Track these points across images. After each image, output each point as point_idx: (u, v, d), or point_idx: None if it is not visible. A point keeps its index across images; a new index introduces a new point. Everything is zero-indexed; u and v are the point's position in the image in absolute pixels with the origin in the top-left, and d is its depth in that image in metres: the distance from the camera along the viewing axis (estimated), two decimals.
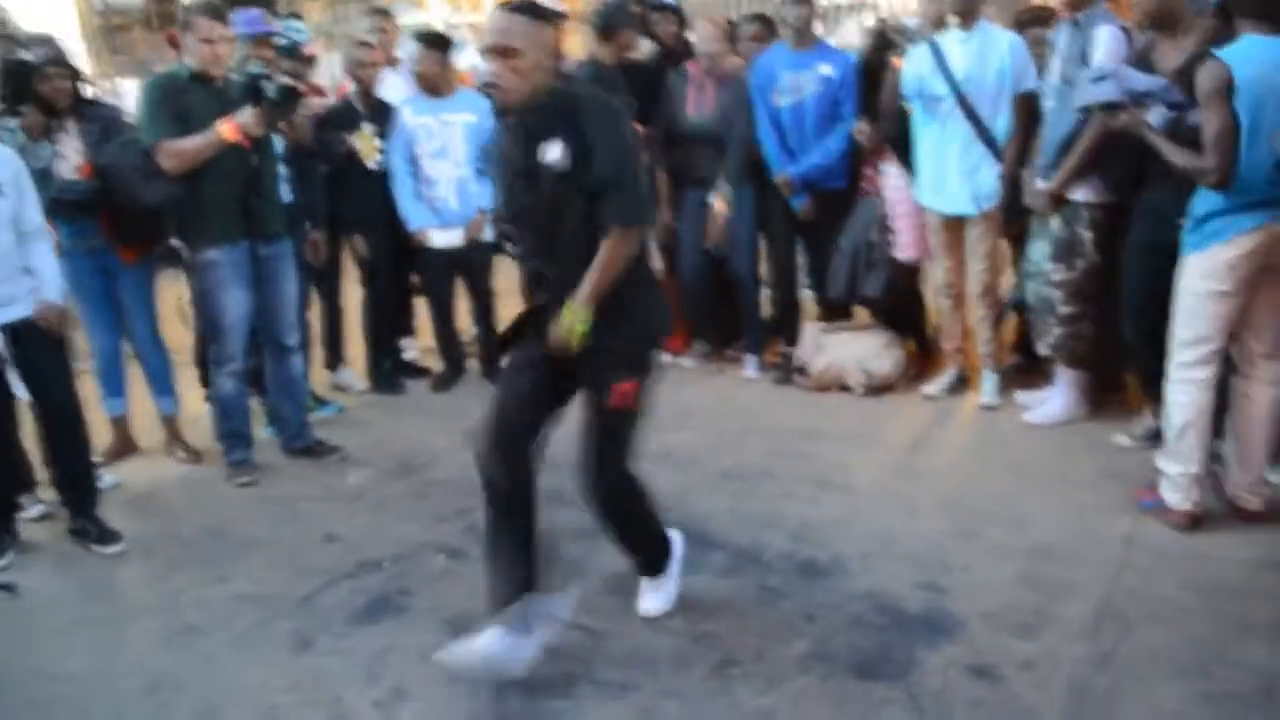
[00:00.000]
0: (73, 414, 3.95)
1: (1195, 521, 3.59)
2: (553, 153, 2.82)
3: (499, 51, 2.77)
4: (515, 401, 2.98)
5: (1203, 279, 3.45)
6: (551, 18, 2.89)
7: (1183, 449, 3.58)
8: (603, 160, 2.80)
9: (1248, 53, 3.28)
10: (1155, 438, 4.05)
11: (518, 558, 2.97)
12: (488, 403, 3.04)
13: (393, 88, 5.82)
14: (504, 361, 3.15)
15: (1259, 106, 3.25)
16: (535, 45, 2.78)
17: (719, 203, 5.26)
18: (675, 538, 3.32)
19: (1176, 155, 3.44)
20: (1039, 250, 4.40)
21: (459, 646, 2.94)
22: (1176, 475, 3.60)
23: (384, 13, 6.50)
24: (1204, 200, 3.42)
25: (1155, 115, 3.48)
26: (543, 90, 2.83)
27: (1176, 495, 3.61)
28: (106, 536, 3.94)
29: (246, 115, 4.12)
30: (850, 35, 9.28)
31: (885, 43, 5.22)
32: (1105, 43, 3.95)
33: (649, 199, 2.94)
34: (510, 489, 2.94)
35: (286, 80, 4.32)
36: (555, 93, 2.87)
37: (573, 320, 2.81)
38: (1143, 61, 3.83)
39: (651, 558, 3.25)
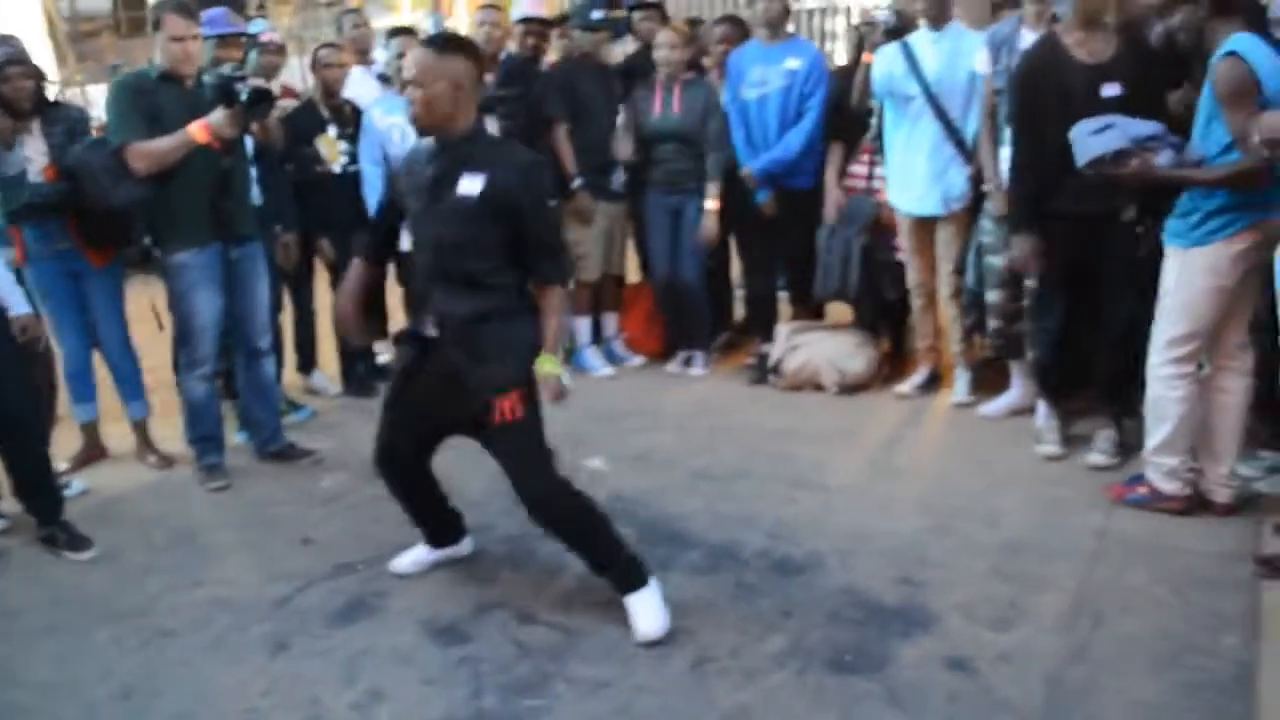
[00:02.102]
0: (25, 418, 3.88)
1: (1193, 505, 3.66)
2: (471, 186, 2.97)
3: (412, 83, 2.98)
4: (402, 437, 3.35)
5: (1204, 275, 3.47)
6: (461, 51, 3.02)
7: (1177, 442, 3.63)
8: (535, 226, 3.03)
9: (1254, 47, 3.28)
10: (1125, 450, 4.12)
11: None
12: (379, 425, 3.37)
13: (361, 85, 5.78)
14: (398, 358, 3.42)
15: (1276, 101, 3.25)
16: (441, 77, 2.94)
17: (711, 203, 5.29)
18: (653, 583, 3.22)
19: (1212, 172, 3.42)
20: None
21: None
22: (1174, 466, 3.65)
23: (355, 10, 6.47)
24: (1208, 197, 3.43)
25: (1164, 157, 3.50)
26: (460, 122, 3.00)
27: (1174, 484, 3.66)
28: (77, 542, 3.90)
29: (218, 117, 4.07)
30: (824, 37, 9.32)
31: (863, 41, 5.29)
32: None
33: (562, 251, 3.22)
34: (405, 490, 3.48)
35: (259, 82, 4.29)
36: (486, 135, 3.16)
37: (552, 370, 3.00)
38: (1051, 53, 3.92)
39: (616, 569, 3.17)
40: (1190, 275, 3.50)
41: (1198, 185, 3.48)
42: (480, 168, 2.99)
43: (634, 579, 3.16)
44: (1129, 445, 4.12)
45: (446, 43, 3.04)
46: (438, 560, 3.60)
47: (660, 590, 3.17)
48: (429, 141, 3.10)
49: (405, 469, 3.41)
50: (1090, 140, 3.59)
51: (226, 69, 4.38)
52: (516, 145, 3.22)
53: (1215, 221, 3.43)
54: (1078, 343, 4.18)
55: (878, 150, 5.13)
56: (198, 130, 4.05)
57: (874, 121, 5.06)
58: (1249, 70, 3.24)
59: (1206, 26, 3.52)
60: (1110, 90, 3.78)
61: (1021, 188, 4.08)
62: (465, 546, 3.66)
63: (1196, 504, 3.69)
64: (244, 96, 4.07)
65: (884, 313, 5.47)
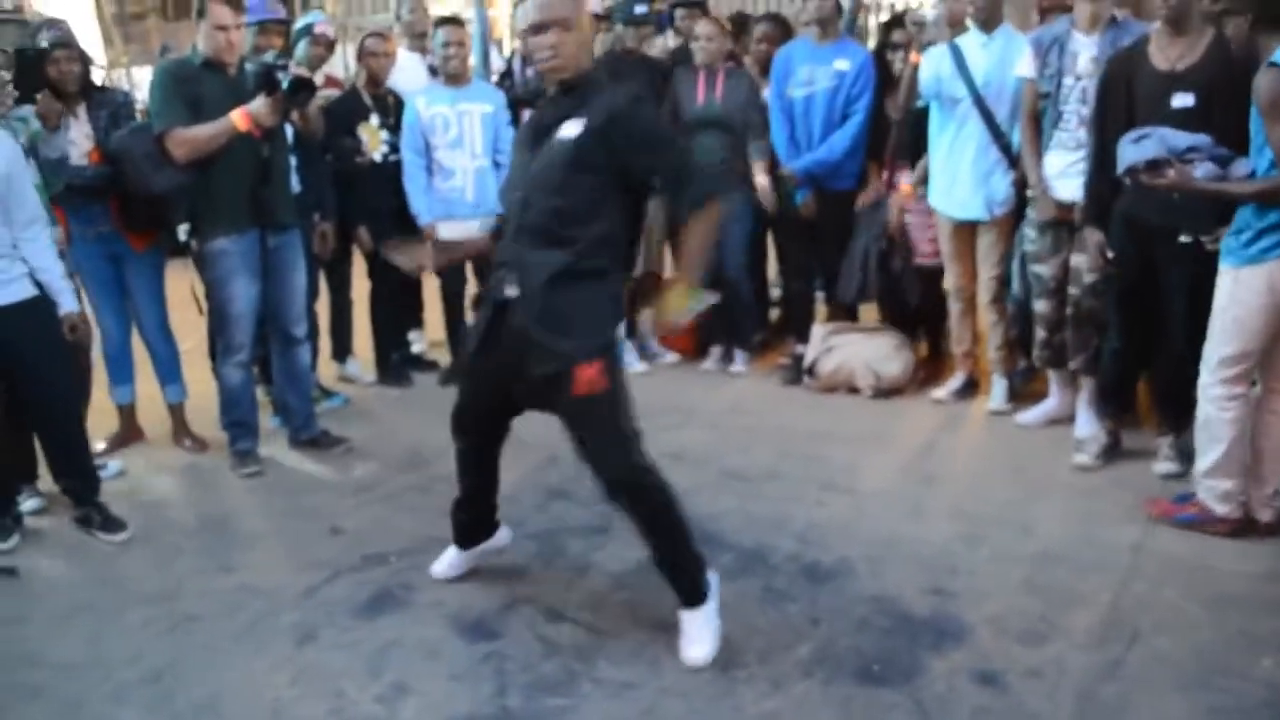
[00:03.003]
0: (64, 400, 3.92)
1: (1242, 528, 3.59)
2: (571, 129, 2.83)
3: (557, 23, 2.82)
4: (478, 405, 3.21)
5: (1256, 293, 3.37)
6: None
7: (1231, 465, 3.55)
8: (646, 159, 2.87)
9: None
10: (1186, 455, 4.04)
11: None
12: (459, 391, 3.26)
13: (409, 70, 5.77)
14: (466, 361, 3.27)
15: None
16: (584, 17, 2.88)
17: (761, 177, 5.29)
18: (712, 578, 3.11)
19: (1245, 187, 3.34)
20: (1083, 262, 4.23)
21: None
22: (1229, 489, 3.57)
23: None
24: (1261, 214, 3.34)
25: (1202, 170, 3.43)
26: (583, 67, 2.91)
27: (1227, 506, 3.58)
28: (111, 524, 3.93)
29: (259, 105, 4.09)
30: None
31: (891, 37, 5.24)
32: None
33: (703, 171, 2.96)
34: (471, 454, 3.31)
35: (301, 71, 4.30)
36: (595, 80, 2.95)
37: (680, 300, 2.87)
38: (1133, 57, 3.82)
39: (685, 574, 3.02)
40: (1242, 293, 3.41)
41: (1231, 199, 3.41)
42: (584, 113, 2.84)
43: (698, 592, 3.01)
44: (1188, 452, 4.03)
45: None
46: (473, 559, 3.49)
47: (718, 615, 3.03)
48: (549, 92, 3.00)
49: (480, 439, 3.26)
50: (1128, 148, 3.53)
51: (269, 57, 4.40)
52: (619, 88, 3.03)
53: (1268, 239, 3.34)
54: (1134, 358, 4.14)
55: (899, 156, 5.09)
56: (239, 118, 4.07)
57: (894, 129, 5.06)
58: None
59: (1255, 38, 3.42)
60: (1182, 100, 3.63)
61: (1092, 189, 4.00)
62: (502, 537, 3.53)
63: (1245, 526, 3.60)
64: (285, 85, 4.09)
65: (908, 316, 5.43)
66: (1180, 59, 3.70)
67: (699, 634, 2.99)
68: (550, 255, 2.87)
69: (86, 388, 4.42)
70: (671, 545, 3.01)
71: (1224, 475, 3.57)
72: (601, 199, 2.88)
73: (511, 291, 2.94)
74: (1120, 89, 3.84)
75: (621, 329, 5.59)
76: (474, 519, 3.45)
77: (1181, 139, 3.47)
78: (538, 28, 2.85)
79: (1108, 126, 3.88)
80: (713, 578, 3.07)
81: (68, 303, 3.87)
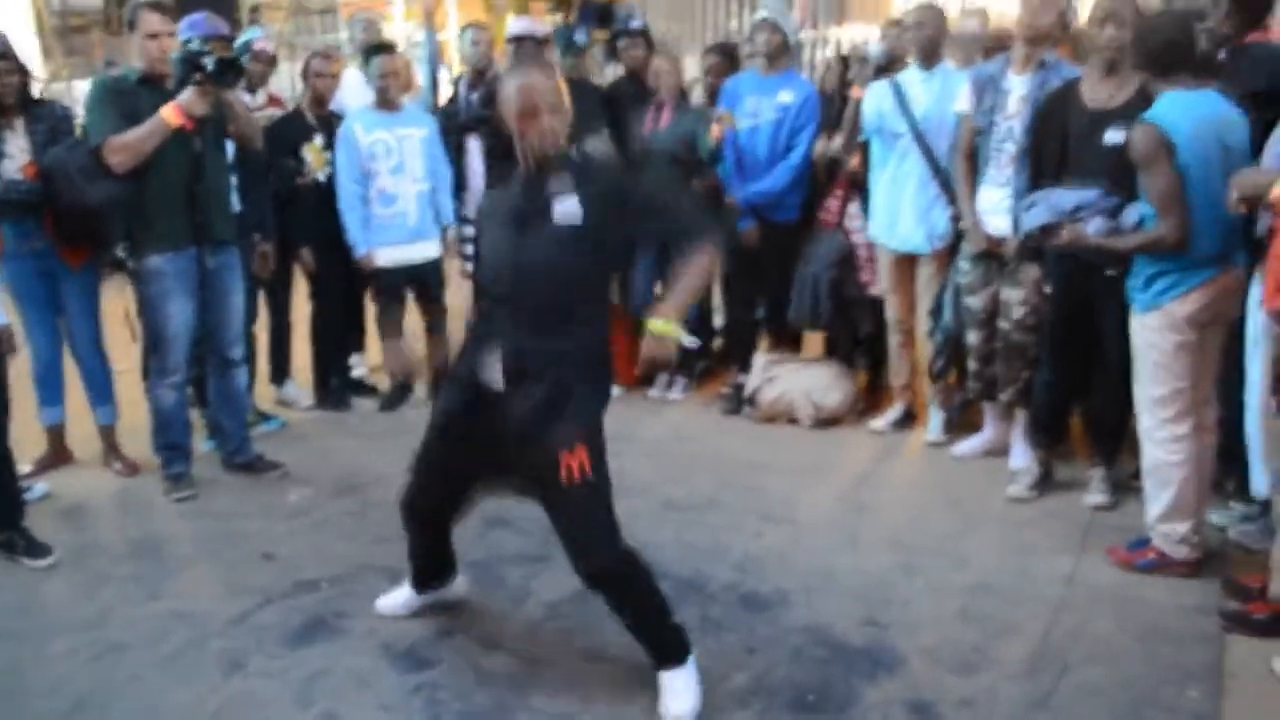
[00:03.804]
0: None
1: (1201, 567, 3.60)
2: (568, 212, 2.76)
3: (554, 109, 2.78)
4: (440, 475, 3.10)
5: (1163, 333, 3.43)
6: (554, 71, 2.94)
7: (1184, 507, 3.54)
8: (652, 208, 2.84)
9: (1180, 109, 3.30)
10: (1117, 487, 4.13)
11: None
12: (418, 449, 3.12)
13: (355, 90, 5.75)
14: (439, 404, 3.14)
15: (1202, 163, 3.27)
16: (562, 104, 2.82)
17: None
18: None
19: (1128, 241, 3.45)
20: (1012, 295, 4.33)
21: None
22: (1184, 534, 3.56)
23: (369, 19, 6.43)
24: (1152, 260, 3.43)
25: (1093, 225, 3.53)
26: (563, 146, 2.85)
27: (1184, 549, 3.57)
28: (36, 549, 3.84)
29: (187, 94, 4.04)
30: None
31: (847, 70, 5.31)
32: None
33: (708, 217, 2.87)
34: (422, 537, 3.27)
35: (224, 54, 4.24)
36: (570, 157, 2.86)
37: (664, 333, 2.78)
38: (1066, 96, 3.91)
39: (661, 642, 2.94)
40: (1152, 337, 3.47)
41: (1120, 254, 3.51)
42: (571, 191, 2.78)
43: (675, 653, 2.93)
44: (1119, 484, 4.16)
45: (552, 68, 2.92)
46: (426, 603, 3.41)
47: (696, 667, 2.95)
48: (518, 171, 2.89)
49: (431, 520, 3.22)
50: (1022, 216, 3.65)
51: (193, 45, 4.33)
52: (600, 161, 3.05)
53: (1161, 283, 3.42)
54: (1066, 390, 4.20)
55: (851, 186, 5.15)
56: (169, 113, 4.03)
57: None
58: (1159, 133, 3.26)
59: (1151, 86, 3.52)
60: (1113, 136, 3.68)
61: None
62: (459, 586, 3.46)
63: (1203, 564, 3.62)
64: (210, 68, 4.04)
65: (856, 345, 5.49)
66: (1111, 98, 3.80)
67: (679, 690, 2.89)
68: (548, 341, 2.81)
69: (6, 407, 4.31)
70: (645, 620, 2.94)
71: (1179, 519, 3.55)
72: (604, 278, 2.92)
73: (496, 381, 2.87)
74: (1053, 127, 3.93)
75: None
76: (433, 567, 3.38)
77: (1069, 198, 3.57)
78: (537, 110, 2.77)
79: (1040, 162, 3.96)
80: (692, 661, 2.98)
81: None
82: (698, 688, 2.91)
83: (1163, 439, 3.53)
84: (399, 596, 3.42)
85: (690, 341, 2.89)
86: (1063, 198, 3.60)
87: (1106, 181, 3.60)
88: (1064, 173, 3.82)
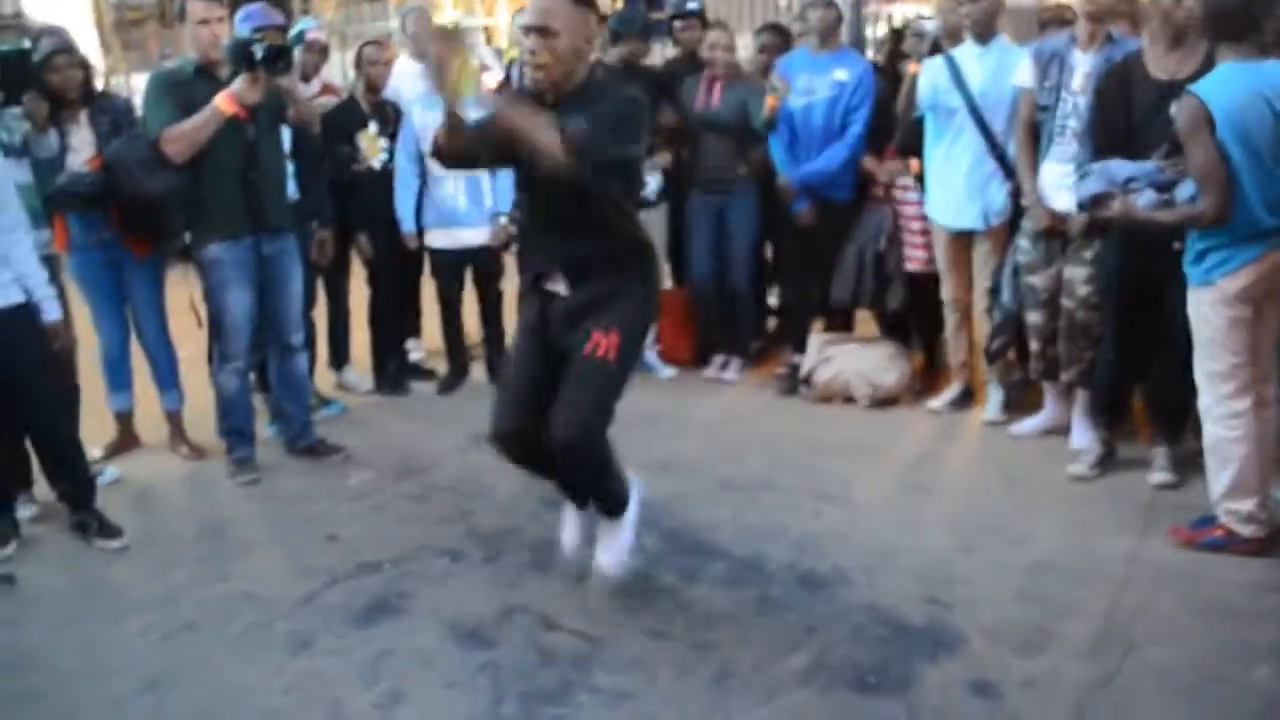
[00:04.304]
0: (55, 406, 3.93)
1: (1269, 544, 3.53)
2: (574, 124, 2.83)
3: (538, 30, 2.86)
4: (517, 401, 3.19)
5: (1216, 308, 3.39)
6: (592, 6, 2.98)
7: (1248, 484, 3.48)
8: (602, 119, 2.86)
9: (1226, 81, 3.25)
10: (1181, 465, 4.06)
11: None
12: (497, 391, 3.30)
13: (407, 77, 5.79)
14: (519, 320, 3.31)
15: (1246, 137, 3.21)
16: (573, 29, 2.88)
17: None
18: (637, 483, 3.33)
19: (1168, 215, 3.42)
20: (1076, 274, 4.28)
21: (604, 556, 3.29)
22: (1251, 510, 3.50)
23: (421, 7, 6.46)
24: (1202, 235, 3.38)
25: (1143, 198, 3.48)
26: (578, 77, 2.94)
27: (1251, 526, 3.51)
28: (108, 531, 3.93)
29: (239, 83, 4.09)
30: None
31: (901, 45, 5.27)
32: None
33: (605, 165, 2.88)
34: (530, 459, 3.27)
35: (275, 42, 4.28)
36: (590, 82, 2.99)
37: (455, 32, 2.87)
38: (1129, 68, 3.85)
39: (609, 503, 3.25)
40: (1206, 312, 3.42)
41: (1163, 227, 3.46)
42: (583, 109, 2.88)
43: (615, 508, 3.24)
44: (1182, 462, 4.08)
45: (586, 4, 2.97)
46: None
47: (636, 514, 3.29)
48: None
49: (523, 442, 3.23)
50: (1077, 186, 3.57)
51: (243, 33, 4.38)
52: (618, 85, 3.15)
53: (1212, 258, 3.37)
54: (1129, 369, 4.14)
55: (900, 157, 5.11)
56: (222, 101, 4.09)
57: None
58: (1200, 106, 3.21)
59: (1218, 55, 3.43)
60: (1178, 108, 3.64)
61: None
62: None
63: (1271, 542, 3.54)
64: (261, 55, 4.09)
65: (904, 325, 5.46)
66: (1179, 69, 3.73)
67: (611, 540, 3.25)
68: (586, 247, 3.02)
69: (76, 394, 4.41)
70: (599, 488, 3.23)
71: (1243, 496, 3.50)
72: (621, 188, 3.01)
73: (561, 288, 3.08)
74: (1117, 99, 3.86)
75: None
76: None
77: (1124, 169, 3.51)
78: (525, 30, 2.92)
79: (1103, 135, 3.90)
80: (637, 489, 3.32)
81: (51, 310, 3.86)
82: (629, 540, 3.28)
83: (1221, 415, 3.48)
84: (571, 527, 3.46)
85: (487, 59, 2.94)
86: (1119, 168, 3.54)
87: (1171, 153, 3.53)
88: (1131, 145, 3.75)
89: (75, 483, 3.99)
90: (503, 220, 5.39)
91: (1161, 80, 3.76)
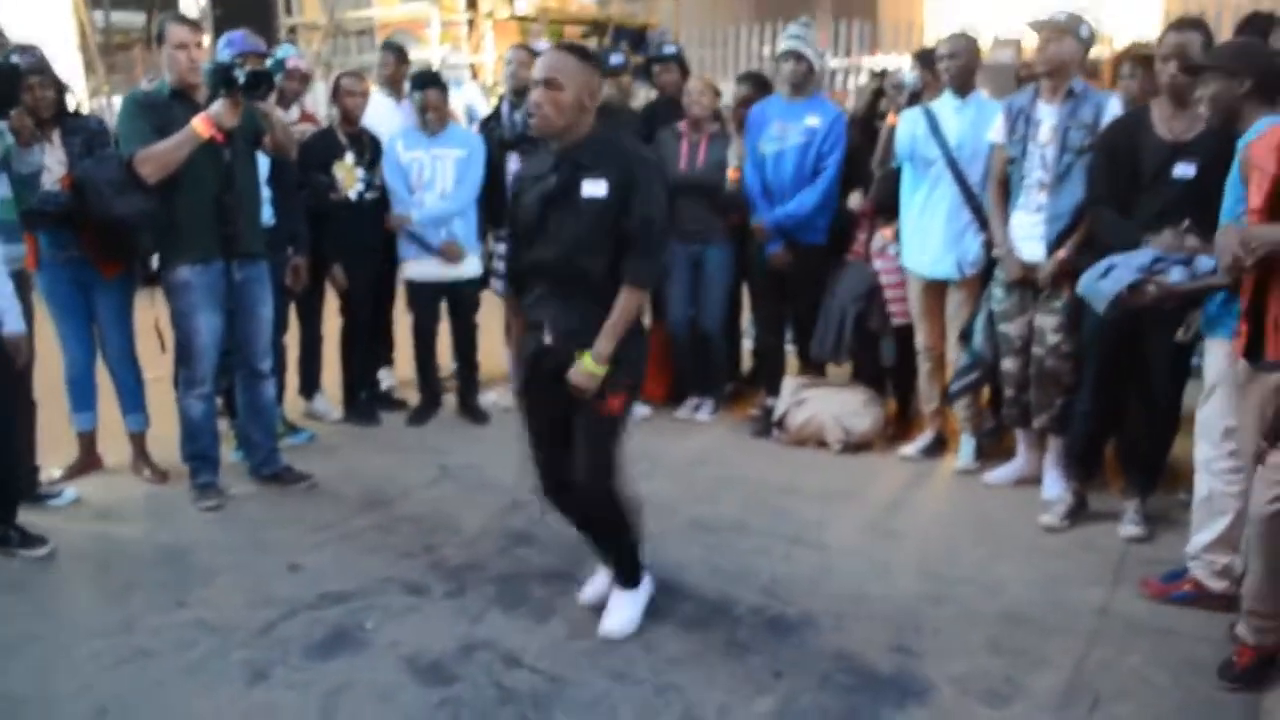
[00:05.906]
0: (8, 418, 3.88)
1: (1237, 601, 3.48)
2: (597, 188, 3.05)
3: (545, 82, 3.02)
4: (550, 457, 3.32)
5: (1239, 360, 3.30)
6: (596, 64, 3.14)
7: (1231, 537, 3.45)
8: (642, 213, 3.06)
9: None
10: (1152, 519, 4.06)
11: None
12: (523, 443, 3.38)
13: (382, 113, 5.80)
14: (521, 403, 3.43)
15: None
16: (578, 84, 3.03)
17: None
18: (649, 578, 3.48)
19: (1210, 280, 3.33)
20: (1046, 323, 4.31)
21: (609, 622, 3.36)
22: (1226, 564, 3.48)
23: (398, 49, 6.48)
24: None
25: (1176, 274, 3.46)
26: (582, 128, 3.08)
27: (1224, 581, 3.49)
28: (30, 541, 3.90)
29: (218, 106, 4.08)
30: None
31: (880, 97, 5.30)
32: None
33: (664, 262, 3.19)
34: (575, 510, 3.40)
35: (256, 66, 4.27)
36: (602, 137, 3.14)
37: (592, 369, 3.08)
38: (1137, 126, 3.87)
39: (622, 571, 3.39)
40: (1228, 364, 3.35)
41: (1207, 293, 3.43)
42: (600, 172, 3.06)
43: (630, 579, 3.39)
44: (1153, 516, 4.10)
45: (585, 52, 3.14)
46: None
47: (647, 596, 3.42)
48: (545, 150, 3.20)
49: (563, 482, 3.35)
50: (1101, 285, 3.56)
51: (224, 57, 4.37)
52: (625, 144, 3.25)
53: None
54: (1104, 421, 4.15)
55: (877, 214, 5.13)
56: (200, 124, 4.07)
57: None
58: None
59: (1244, 106, 3.40)
60: (1183, 170, 3.69)
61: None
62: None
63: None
64: (241, 80, 4.08)
65: (880, 373, 5.46)
66: (1185, 130, 3.76)
67: (622, 609, 3.37)
68: (580, 305, 3.14)
69: (32, 410, 4.34)
70: (619, 548, 3.38)
71: (1224, 549, 3.48)
72: (619, 253, 3.10)
73: (548, 339, 3.20)
74: (1121, 156, 3.89)
75: None
76: None
77: (1142, 256, 3.51)
78: (534, 83, 3.07)
79: (1104, 184, 3.93)
80: (648, 584, 3.47)
81: (11, 323, 3.80)
82: (638, 617, 3.36)
83: (1222, 469, 3.46)
84: (596, 584, 3.57)
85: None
86: (1136, 256, 3.52)
87: (1176, 214, 3.53)
88: (1130, 198, 3.79)
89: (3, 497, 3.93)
90: (451, 244, 5.40)
91: (1166, 140, 3.80)
